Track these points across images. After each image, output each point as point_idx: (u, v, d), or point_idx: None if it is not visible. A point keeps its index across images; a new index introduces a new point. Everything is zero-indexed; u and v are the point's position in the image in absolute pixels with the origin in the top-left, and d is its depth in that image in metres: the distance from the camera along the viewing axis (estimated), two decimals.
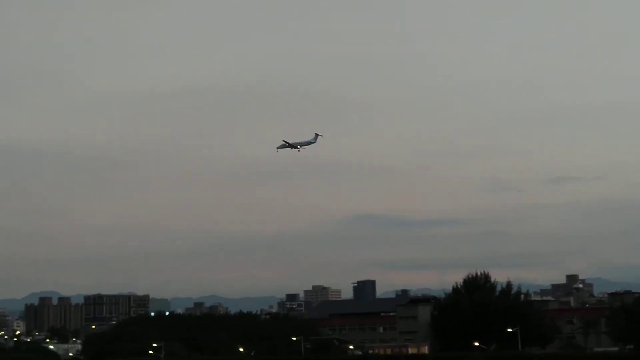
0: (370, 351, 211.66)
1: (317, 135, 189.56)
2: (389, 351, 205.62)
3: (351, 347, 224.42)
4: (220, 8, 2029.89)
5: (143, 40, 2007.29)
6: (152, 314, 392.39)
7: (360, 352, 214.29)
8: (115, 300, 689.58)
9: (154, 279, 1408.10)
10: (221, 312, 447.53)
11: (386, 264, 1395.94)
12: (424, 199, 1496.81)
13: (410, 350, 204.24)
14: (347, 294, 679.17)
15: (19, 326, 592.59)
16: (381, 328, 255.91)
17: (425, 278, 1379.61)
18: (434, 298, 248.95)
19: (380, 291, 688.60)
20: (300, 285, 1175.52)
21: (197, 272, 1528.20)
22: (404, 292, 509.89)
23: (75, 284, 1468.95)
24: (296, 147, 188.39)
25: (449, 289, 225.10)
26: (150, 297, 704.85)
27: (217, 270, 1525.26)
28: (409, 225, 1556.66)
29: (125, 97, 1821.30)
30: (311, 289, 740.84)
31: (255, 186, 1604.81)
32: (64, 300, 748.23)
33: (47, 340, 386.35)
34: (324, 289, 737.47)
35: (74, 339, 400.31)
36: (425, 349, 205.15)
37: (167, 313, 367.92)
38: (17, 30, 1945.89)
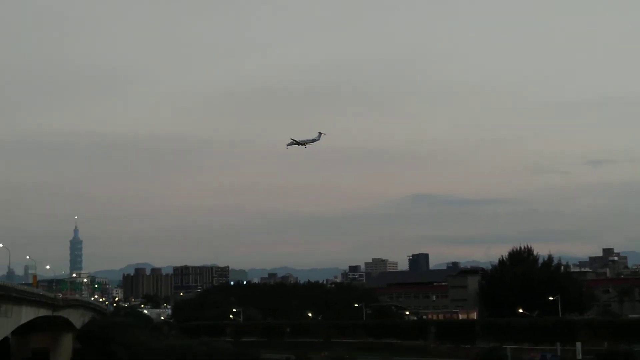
0: (424, 317, 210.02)
1: (320, 133, 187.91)
2: (441, 317, 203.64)
3: (407, 312, 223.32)
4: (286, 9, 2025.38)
5: (218, 42, 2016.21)
6: (232, 283, 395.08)
7: (415, 318, 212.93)
8: (200, 271, 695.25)
9: (233, 253, 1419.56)
10: (292, 282, 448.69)
11: (438, 239, 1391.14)
12: (473, 180, 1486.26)
13: (461, 316, 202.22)
14: (403, 266, 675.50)
15: (117, 293, 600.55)
16: (434, 296, 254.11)
17: (473, 252, 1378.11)
18: (482, 270, 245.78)
19: (433, 263, 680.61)
20: (361, 258, 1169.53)
21: (271, 246, 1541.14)
22: (455, 264, 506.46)
23: (166, 257, 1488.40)
24: (303, 144, 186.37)
25: (496, 261, 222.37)
26: (230, 268, 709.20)
27: (289, 245, 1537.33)
28: (459, 204, 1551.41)
29: (202, 94, 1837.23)
30: (371, 261, 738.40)
31: (323, 170, 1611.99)
32: (156, 271, 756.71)
33: (142, 305, 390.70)
34: (382, 261, 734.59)
35: (165, 304, 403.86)
36: (474, 315, 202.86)
37: (244, 282, 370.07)
38: (109, 37, 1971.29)
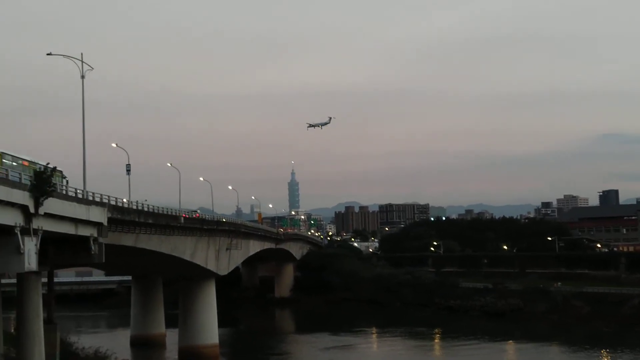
0: (615, 248, 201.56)
1: (330, 118, 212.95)
2: (631, 249, 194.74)
3: (598, 245, 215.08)
4: None
5: None
6: (432, 219, 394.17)
7: (606, 250, 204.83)
8: (403, 208, 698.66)
9: (433, 191, 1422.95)
10: (487, 217, 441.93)
11: (628, 176, 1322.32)
12: None
13: None
14: (594, 201, 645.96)
15: (330, 229, 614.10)
16: (624, 229, 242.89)
17: None
18: None
19: (623, 199, 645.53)
20: (553, 194, 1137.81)
21: (467, 184, 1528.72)
22: None
23: (372, 196, 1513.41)
24: (319, 126, 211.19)
25: None
26: (430, 205, 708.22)
27: (484, 183, 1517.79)
28: None
29: (404, 48, 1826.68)
30: (562, 197, 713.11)
31: (516, 114, 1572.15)
32: (363, 208, 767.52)
33: (352, 239, 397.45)
34: (573, 197, 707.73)
35: (372, 238, 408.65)
36: None
37: (443, 218, 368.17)
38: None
